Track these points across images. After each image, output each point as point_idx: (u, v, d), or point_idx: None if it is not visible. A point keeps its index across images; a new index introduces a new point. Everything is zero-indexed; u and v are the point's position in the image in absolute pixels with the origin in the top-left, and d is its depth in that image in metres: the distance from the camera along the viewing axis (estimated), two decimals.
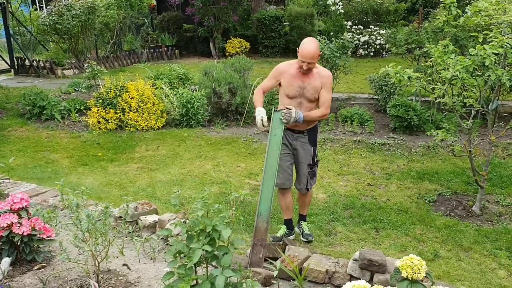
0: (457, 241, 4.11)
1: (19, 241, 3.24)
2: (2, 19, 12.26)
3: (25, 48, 14.04)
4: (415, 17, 15.26)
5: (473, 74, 4.18)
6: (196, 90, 8.09)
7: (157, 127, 7.56)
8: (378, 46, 14.00)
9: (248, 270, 2.81)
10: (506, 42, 3.96)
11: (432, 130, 4.72)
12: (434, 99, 4.49)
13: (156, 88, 8.12)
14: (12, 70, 12.86)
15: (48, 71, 12.33)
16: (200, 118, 7.72)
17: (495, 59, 3.97)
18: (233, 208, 2.65)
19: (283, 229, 4.09)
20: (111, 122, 7.51)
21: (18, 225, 3.21)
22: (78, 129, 7.70)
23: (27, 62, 12.72)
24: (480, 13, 4.41)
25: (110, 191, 5.26)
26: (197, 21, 14.54)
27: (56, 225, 3.39)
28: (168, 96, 7.82)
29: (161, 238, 3.69)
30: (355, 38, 13.74)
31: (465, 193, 5.14)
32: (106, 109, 7.60)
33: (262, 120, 3.66)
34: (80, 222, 2.86)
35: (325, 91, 3.76)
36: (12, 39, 12.75)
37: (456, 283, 3.45)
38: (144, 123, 7.51)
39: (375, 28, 14.21)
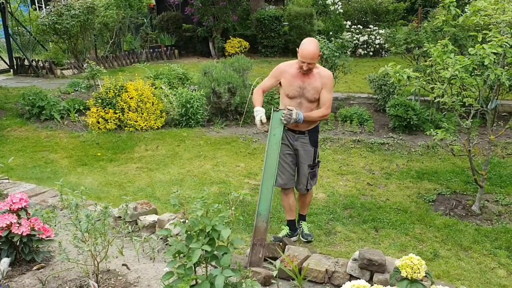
0: (456, 241, 4.11)
1: (18, 241, 3.24)
2: (1, 19, 12.25)
3: (24, 48, 14.03)
4: (414, 16, 15.27)
5: (472, 74, 4.18)
6: (195, 90, 8.09)
7: (156, 127, 7.56)
8: (377, 46, 14.00)
9: (248, 270, 2.81)
10: (505, 42, 3.95)
11: (432, 130, 4.72)
12: (433, 99, 4.49)
13: (155, 88, 8.12)
14: (11, 70, 12.86)
15: (47, 71, 12.33)
16: (200, 118, 7.72)
17: (494, 58, 3.97)
18: (233, 208, 2.65)
19: (285, 230, 4.08)
20: (111, 122, 7.51)
21: (17, 225, 3.21)
22: (77, 129, 7.69)
23: (26, 62, 12.72)
24: (479, 13, 4.41)
25: (110, 191, 5.25)
26: (196, 21, 14.53)
27: (55, 225, 3.38)
28: (167, 96, 7.82)
29: (161, 238, 3.69)
30: (354, 38, 13.74)
31: (465, 193, 5.14)
32: (105, 109, 7.59)
33: (261, 119, 3.66)
34: (80, 222, 2.86)
35: (326, 91, 3.75)
36: (11, 39, 12.75)
37: (456, 282, 3.45)
38: (144, 123, 7.51)
39: (374, 28, 14.21)
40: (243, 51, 13.71)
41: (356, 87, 9.78)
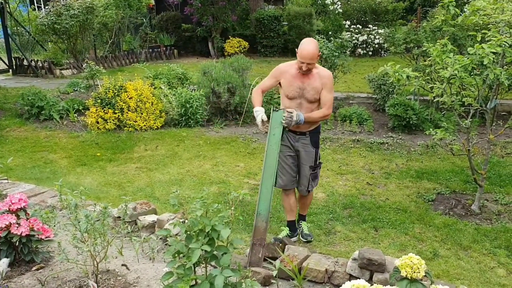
0: (456, 240, 4.11)
1: (17, 242, 3.23)
2: (0, 19, 12.22)
3: (23, 48, 14.01)
4: (414, 16, 15.26)
5: (472, 73, 4.18)
6: (194, 89, 8.09)
7: (155, 127, 7.56)
8: (376, 46, 14.00)
9: (248, 270, 2.81)
10: (504, 41, 3.96)
11: (431, 129, 4.72)
12: (432, 98, 4.49)
13: (154, 88, 8.11)
14: (10, 70, 12.84)
15: (47, 71, 12.32)
16: (199, 118, 7.71)
17: (493, 58, 3.97)
18: (232, 208, 2.65)
19: (285, 231, 4.08)
20: (110, 122, 7.50)
21: (17, 225, 3.20)
22: (77, 129, 7.69)
23: (25, 62, 12.70)
24: (478, 12, 4.42)
25: (109, 191, 5.25)
26: (195, 20, 14.53)
27: (54, 226, 3.38)
28: (166, 96, 7.81)
29: (160, 238, 3.69)
30: (354, 38, 13.74)
31: (464, 192, 5.14)
32: (104, 109, 7.59)
33: (262, 119, 3.65)
34: (79, 222, 2.86)
35: (326, 92, 3.74)
36: (10, 39, 12.73)
37: (456, 282, 3.45)
38: (143, 123, 7.50)
39: (374, 28, 14.21)
40: (242, 51, 13.71)
41: (355, 86, 9.78)
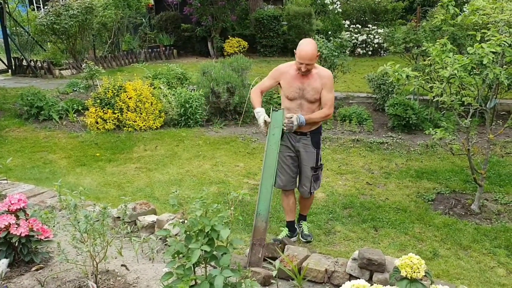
0: (456, 240, 4.11)
1: (16, 242, 3.23)
2: None
3: (22, 48, 14.01)
4: (413, 16, 15.28)
5: (471, 73, 4.18)
6: (194, 89, 8.09)
7: (155, 127, 7.55)
8: (376, 45, 14.01)
9: (247, 270, 2.80)
10: (504, 41, 3.95)
11: (431, 129, 4.72)
12: (432, 98, 4.49)
13: (154, 88, 8.11)
14: (10, 70, 12.83)
15: (46, 71, 12.31)
16: (199, 118, 7.71)
17: (493, 57, 3.97)
18: (232, 208, 2.64)
19: (285, 231, 4.07)
20: (109, 122, 7.50)
21: (16, 226, 3.20)
22: (76, 130, 7.68)
23: (24, 63, 12.69)
24: (478, 12, 4.41)
25: (108, 192, 5.25)
26: (195, 20, 14.52)
27: (54, 226, 3.38)
28: (166, 96, 7.81)
29: (160, 239, 3.68)
30: (353, 37, 13.74)
31: (464, 192, 5.14)
32: (104, 109, 7.58)
33: (265, 119, 3.60)
34: (78, 222, 2.85)
35: (326, 91, 3.72)
36: (9, 39, 12.72)
37: (455, 281, 3.44)
38: (142, 123, 7.50)
39: (373, 27, 14.22)
40: (242, 50, 13.70)
41: (355, 86, 9.78)
